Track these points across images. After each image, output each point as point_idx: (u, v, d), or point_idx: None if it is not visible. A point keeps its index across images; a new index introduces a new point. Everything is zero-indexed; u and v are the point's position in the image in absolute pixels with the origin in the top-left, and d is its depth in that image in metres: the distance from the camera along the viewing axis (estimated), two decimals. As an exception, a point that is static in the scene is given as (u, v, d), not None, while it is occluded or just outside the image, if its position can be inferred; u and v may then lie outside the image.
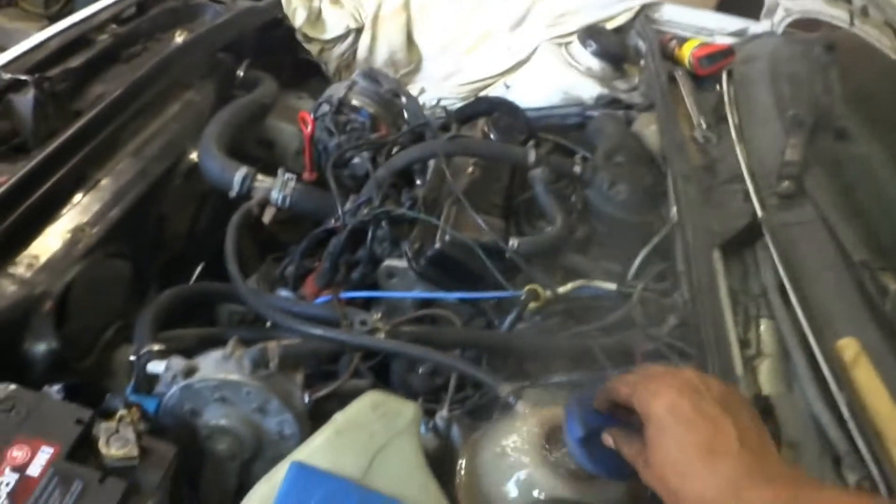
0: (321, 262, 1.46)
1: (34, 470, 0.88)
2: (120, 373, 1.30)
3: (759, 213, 1.30)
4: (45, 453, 0.90)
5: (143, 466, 0.93)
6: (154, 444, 0.97)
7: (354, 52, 2.16)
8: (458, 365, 1.10)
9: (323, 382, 1.19)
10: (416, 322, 1.26)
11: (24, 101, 1.37)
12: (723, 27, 2.14)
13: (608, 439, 0.85)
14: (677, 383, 0.77)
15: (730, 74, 1.80)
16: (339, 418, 0.91)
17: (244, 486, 1.13)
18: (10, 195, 1.25)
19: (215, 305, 1.54)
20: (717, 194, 1.41)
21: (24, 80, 1.38)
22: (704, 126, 1.62)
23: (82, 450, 0.92)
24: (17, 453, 0.89)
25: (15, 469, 0.87)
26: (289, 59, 2.22)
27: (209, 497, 1.10)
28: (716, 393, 0.77)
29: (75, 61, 1.55)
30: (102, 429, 0.94)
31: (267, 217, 1.98)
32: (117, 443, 0.93)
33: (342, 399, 1.22)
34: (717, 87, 1.83)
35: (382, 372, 1.29)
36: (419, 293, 1.35)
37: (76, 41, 1.59)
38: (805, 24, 2.07)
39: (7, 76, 1.38)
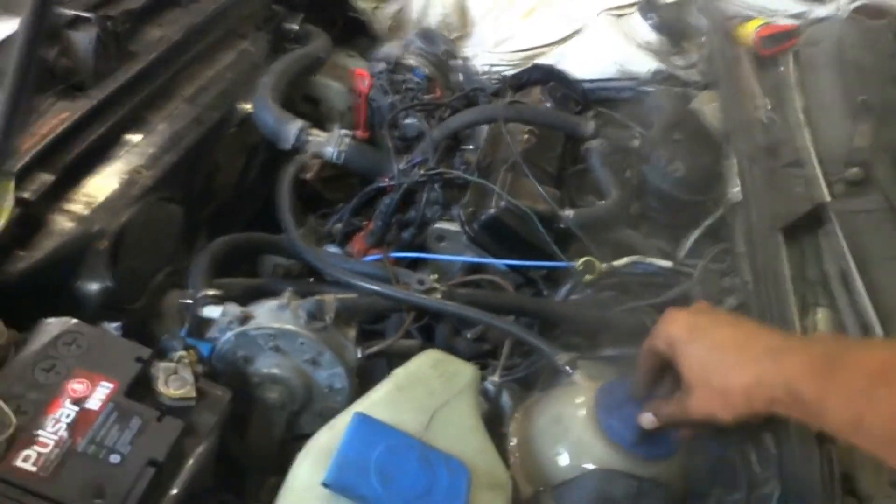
0: (371, 220, 1.45)
1: (93, 404, 0.88)
2: (168, 317, 1.30)
3: (827, 198, 1.27)
4: (104, 388, 0.90)
5: (199, 408, 0.94)
6: (210, 387, 0.97)
7: (407, 13, 2.12)
8: (517, 331, 1.09)
9: (367, 341, 1.19)
10: (470, 286, 1.25)
11: (86, 38, 1.36)
12: (785, 8, 2.07)
13: (648, 419, 0.87)
14: (684, 310, 0.85)
15: (795, 56, 1.75)
16: (400, 374, 0.91)
17: (290, 438, 1.15)
18: (71, 133, 1.25)
19: (259, 256, 1.54)
20: (780, 177, 1.38)
21: (87, 18, 1.36)
22: (768, 107, 1.58)
23: (140, 388, 0.93)
24: (77, 386, 0.89)
25: (75, 402, 0.88)
26: (339, 16, 2.19)
27: (255, 445, 1.11)
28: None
29: (135, 2, 1.53)
30: (161, 368, 0.94)
31: (309, 173, 1.97)
32: (176, 383, 0.93)
33: (390, 358, 1.23)
34: (780, 68, 1.79)
35: (427, 334, 1.29)
36: (472, 257, 1.33)
37: (136, -19, 1.57)
38: (869, 11, 2.01)
39: (70, 12, 1.37)
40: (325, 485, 0.74)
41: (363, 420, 0.79)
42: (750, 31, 1.85)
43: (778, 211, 1.29)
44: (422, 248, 1.41)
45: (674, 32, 1.94)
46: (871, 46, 1.74)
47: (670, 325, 0.82)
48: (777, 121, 1.55)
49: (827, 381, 0.67)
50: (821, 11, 2.06)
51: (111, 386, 0.90)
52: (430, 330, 1.29)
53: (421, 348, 1.18)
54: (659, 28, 1.92)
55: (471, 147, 1.56)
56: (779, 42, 1.81)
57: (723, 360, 0.76)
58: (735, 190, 1.38)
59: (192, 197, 1.46)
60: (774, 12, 2.05)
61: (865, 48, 1.74)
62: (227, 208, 1.64)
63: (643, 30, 1.93)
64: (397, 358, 1.22)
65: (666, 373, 0.85)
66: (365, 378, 1.15)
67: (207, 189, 1.55)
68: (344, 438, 0.77)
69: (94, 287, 1.19)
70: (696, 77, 1.87)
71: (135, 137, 1.36)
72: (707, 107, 1.63)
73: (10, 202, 1.09)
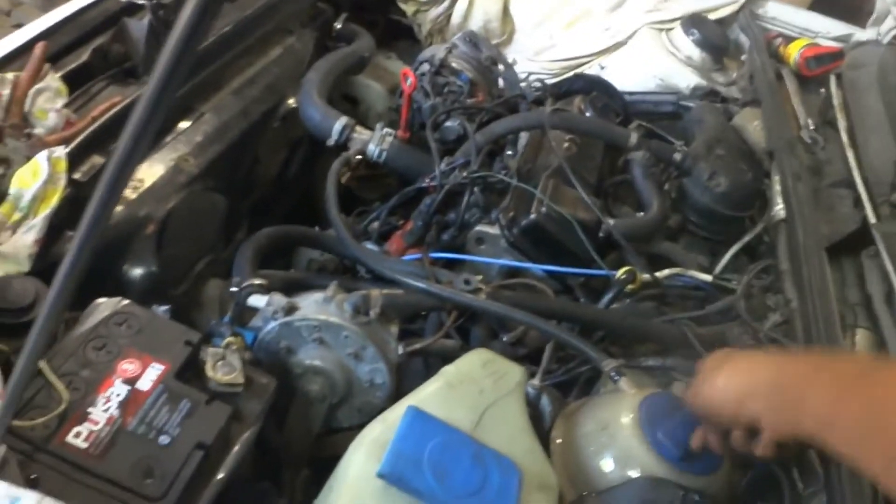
0: (410, 220, 1.45)
1: (144, 384, 0.89)
2: (207, 305, 1.32)
3: (872, 219, 1.26)
4: (154, 369, 0.91)
5: (246, 395, 0.94)
6: (256, 374, 0.98)
7: (448, 17, 2.13)
8: (563, 335, 1.09)
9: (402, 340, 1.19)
10: (510, 289, 1.25)
11: (139, 25, 1.37)
12: (827, 30, 2.07)
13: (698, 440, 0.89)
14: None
15: (838, 79, 1.75)
16: (451, 371, 0.90)
17: (326, 431, 1.15)
18: (122, 117, 1.26)
19: (294, 250, 1.55)
20: (825, 197, 1.38)
21: (141, 5, 1.38)
22: (811, 127, 1.57)
23: (189, 371, 0.93)
24: (128, 366, 0.90)
25: (126, 381, 0.89)
26: (381, 18, 2.20)
27: (292, 436, 1.11)
28: None
29: (187, -7, 1.54)
30: (210, 353, 0.95)
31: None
32: (224, 368, 0.94)
33: (427, 357, 1.23)
34: (822, 90, 1.79)
35: (462, 335, 1.29)
36: (511, 261, 1.33)
37: (189, -27, 1.59)
38: (911, 38, 2.01)
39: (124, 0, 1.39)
40: (380, 475, 0.74)
41: (417, 414, 0.80)
42: (794, 51, 1.85)
43: (822, 230, 1.29)
44: (459, 250, 1.41)
45: (715, 49, 1.93)
46: (914, 73, 1.73)
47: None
48: (821, 141, 1.55)
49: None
50: (862, 35, 2.06)
51: (162, 367, 0.91)
52: (466, 332, 1.30)
53: (462, 349, 1.18)
54: (700, 44, 1.92)
55: (510, 153, 1.56)
56: (823, 63, 1.81)
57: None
58: (778, 208, 1.37)
59: (233, 188, 1.47)
60: (816, 33, 2.05)
61: (908, 74, 1.73)
62: (266, 201, 1.65)
63: (685, 45, 1.93)
64: (435, 357, 1.23)
65: None
66: (401, 376, 1.16)
67: (248, 181, 1.56)
68: (398, 431, 0.77)
69: (139, 271, 1.20)
70: (736, 94, 1.87)
71: (183, 126, 1.38)
72: (750, 124, 1.63)
73: (62, 182, 1.11)
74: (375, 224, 1.51)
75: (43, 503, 0.67)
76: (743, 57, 1.98)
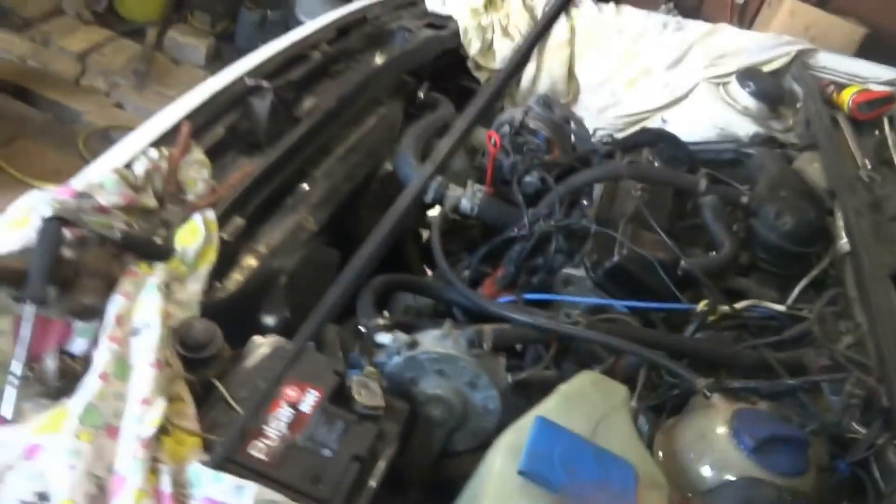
0: (502, 266, 1.61)
1: (305, 407, 1.05)
2: (329, 347, 1.47)
3: (933, 249, 1.37)
4: (311, 395, 1.06)
5: (385, 418, 1.09)
6: (392, 400, 1.12)
7: (518, 82, 2.32)
8: (660, 359, 1.22)
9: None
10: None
11: (263, 104, 1.58)
12: (877, 76, 2.20)
13: None
14: None
15: (891, 121, 1.87)
16: (566, 388, 1.04)
17: (444, 455, 1.28)
18: (255, 185, 1.45)
19: (390, 298, 1.71)
20: (885, 230, 1.49)
21: (264, 86, 1.59)
22: (869, 167, 1.69)
23: (337, 396, 1.09)
24: (291, 392, 1.06)
25: (290, 405, 1.04)
26: (454, 85, 2.40)
27: (415, 458, 1.25)
28: None
29: (295, 74, 1.76)
30: (354, 381, 1.10)
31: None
32: (367, 394, 1.09)
33: (526, 387, 1.36)
34: (876, 132, 1.91)
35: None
36: (601, 300, 1.47)
37: (295, 57, 1.81)
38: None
39: (251, 81, 1.60)
40: (520, 473, 0.88)
41: (544, 422, 0.94)
42: (846, 97, 1.98)
43: (885, 260, 1.40)
44: (547, 293, 1.55)
45: (770, 98, 2.07)
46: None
47: None
48: (878, 179, 1.66)
49: None
50: (911, 81, 2.18)
51: (317, 393, 1.07)
52: (559, 367, 1.43)
53: (559, 378, 1.32)
54: (756, 95, 2.06)
55: (586, 203, 1.71)
56: (875, 107, 1.94)
57: None
58: (842, 242, 1.48)
59: (341, 243, 1.65)
60: (866, 79, 2.18)
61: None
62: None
63: (741, 96, 2.07)
64: (534, 388, 1.36)
65: None
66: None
67: (353, 236, 1.74)
68: (531, 436, 0.91)
69: (274, 317, 1.37)
70: (793, 140, 2.00)
71: (301, 189, 1.57)
72: (810, 166, 1.76)
73: (216, 241, 1.29)
74: (466, 272, 1.68)
75: (263, 491, 0.83)
76: (798, 105, 2.11)
